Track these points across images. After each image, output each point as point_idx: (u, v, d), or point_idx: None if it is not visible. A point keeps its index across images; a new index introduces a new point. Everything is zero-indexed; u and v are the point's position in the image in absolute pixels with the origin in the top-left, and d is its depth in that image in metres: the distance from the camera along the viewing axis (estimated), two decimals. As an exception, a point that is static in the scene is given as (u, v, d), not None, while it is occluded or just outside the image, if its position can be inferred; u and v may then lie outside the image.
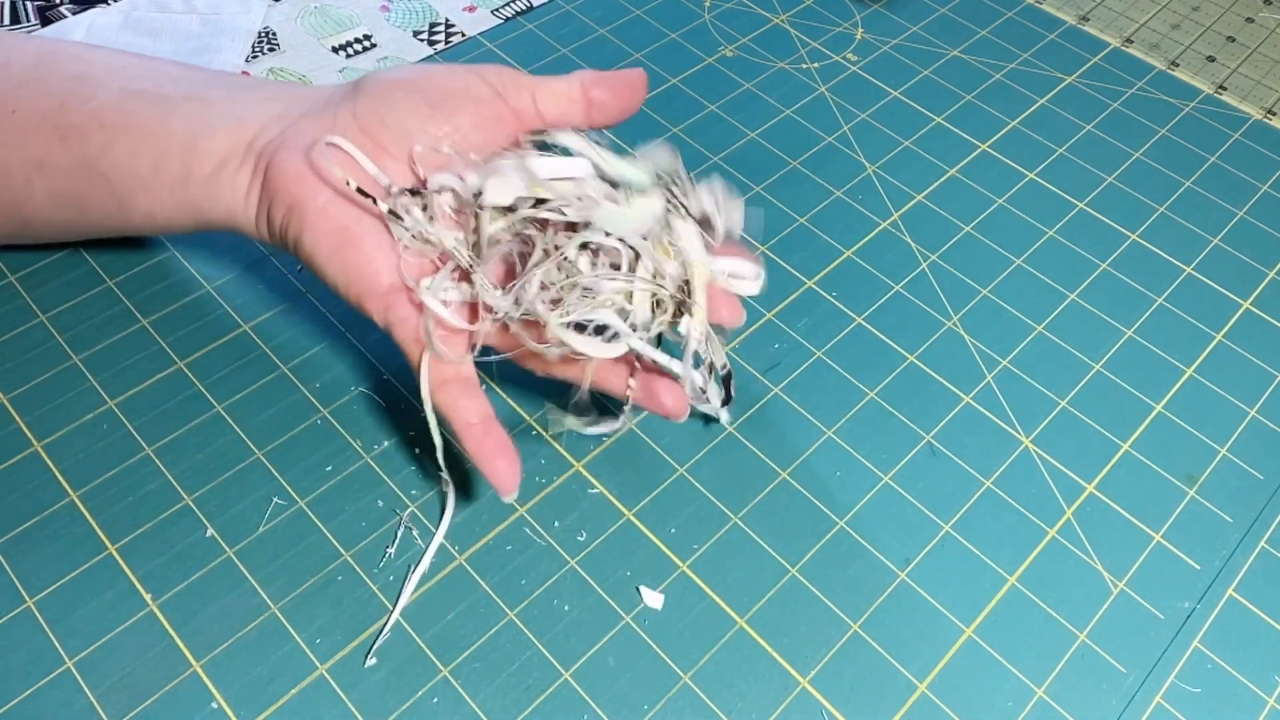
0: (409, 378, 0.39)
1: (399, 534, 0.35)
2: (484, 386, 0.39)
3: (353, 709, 0.32)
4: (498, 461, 0.32)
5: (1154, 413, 0.41)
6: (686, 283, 0.32)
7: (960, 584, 0.36)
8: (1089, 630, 0.35)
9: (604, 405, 0.37)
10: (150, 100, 0.35)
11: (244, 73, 0.50)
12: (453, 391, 0.33)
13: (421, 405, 0.33)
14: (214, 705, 0.32)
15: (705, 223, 0.34)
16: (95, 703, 0.31)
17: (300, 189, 0.33)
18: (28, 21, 0.51)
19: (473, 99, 0.34)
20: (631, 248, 0.32)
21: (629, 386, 0.33)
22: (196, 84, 0.36)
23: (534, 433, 0.38)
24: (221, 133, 0.34)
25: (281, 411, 0.38)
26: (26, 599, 0.33)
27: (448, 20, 0.54)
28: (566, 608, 0.34)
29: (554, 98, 0.35)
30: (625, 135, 0.49)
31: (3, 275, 0.41)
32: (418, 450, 0.37)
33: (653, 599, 0.34)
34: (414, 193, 0.33)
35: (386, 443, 0.37)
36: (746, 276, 0.34)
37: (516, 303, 0.32)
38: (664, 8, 0.56)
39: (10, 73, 0.36)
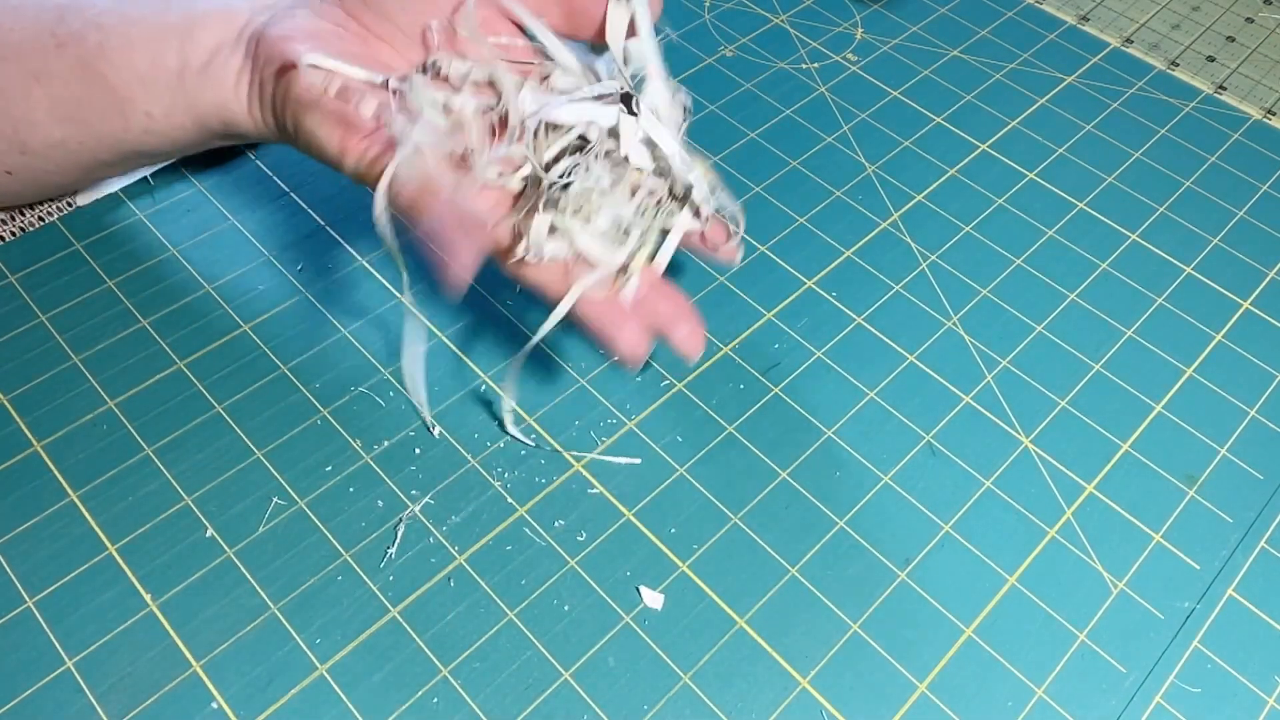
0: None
1: (399, 534, 0.35)
2: (481, 388, 0.39)
3: (353, 709, 0.32)
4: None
5: (1154, 413, 0.41)
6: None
7: (960, 584, 0.36)
8: (1089, 630, 0.35)
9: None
10: None
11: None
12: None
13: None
14: (214, 705, 0.32)
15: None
16: (95, 703, 0.31)
17: (289, 54, 0.33)
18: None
19: None
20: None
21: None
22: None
23: (534, 434, 0.38)
24: (215, 20, 0.35)
25: (281, 411, 0.38)
26: (26, 599, 0.33)
27: (448, 21, 0.54)
28: (566, 608, 0.34)
29: None
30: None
31: (3, 275, 0.41)
32: (418, 450, 0.37)
33: (653, 599, 0.34)
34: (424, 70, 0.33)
35: (386, 443, 0.37)
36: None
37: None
38: (664, 8, 0.56)
39: None
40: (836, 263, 0.45)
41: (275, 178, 0.46)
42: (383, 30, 0.33)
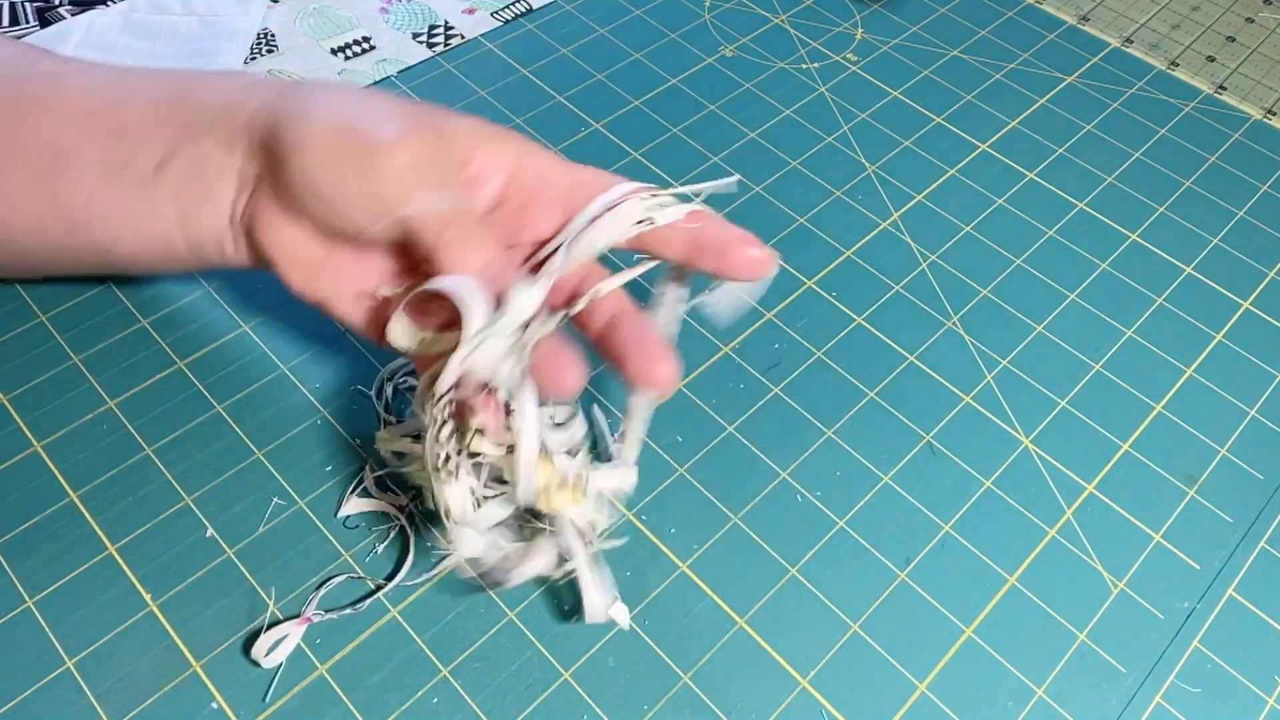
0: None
1: (391, 533, 0.35)
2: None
3: (353, 709, 0.32)
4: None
5: (1154, 413, 0.41)
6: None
7: (960, 584, 0.36)
8: (1089, 630, 0.35)
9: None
10: (133, 187, 0.34)
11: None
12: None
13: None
14: (214, 705, 0.32)
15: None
16: (95, 703, 0.31)
17: (279, 271, 0.33)
18: (27, 23, 0.51)
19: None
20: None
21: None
22: (161, 145, 0.34)
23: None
24: (207, 213, 0.33)
25: (281, 411, 0.38)
26: (26, 599, 0.33)
27: (447, 22, 0.54)
28: (566, 608, 0.34)
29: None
30: (626, 135, 0.49)
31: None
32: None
33: (620, 613, 0.34)
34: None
35: (386, 443, 0.37)
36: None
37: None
38: (664, 8, 0.56)
39: None
40: (836, 263, 0.45)
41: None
42: (329, 221, 0.32)
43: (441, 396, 0.29)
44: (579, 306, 0.31)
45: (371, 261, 0.33)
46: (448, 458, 0.30)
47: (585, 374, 0.29)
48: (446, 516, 0.31)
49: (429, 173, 0.31)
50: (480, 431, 0.30)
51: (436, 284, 0.30)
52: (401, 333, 0.31)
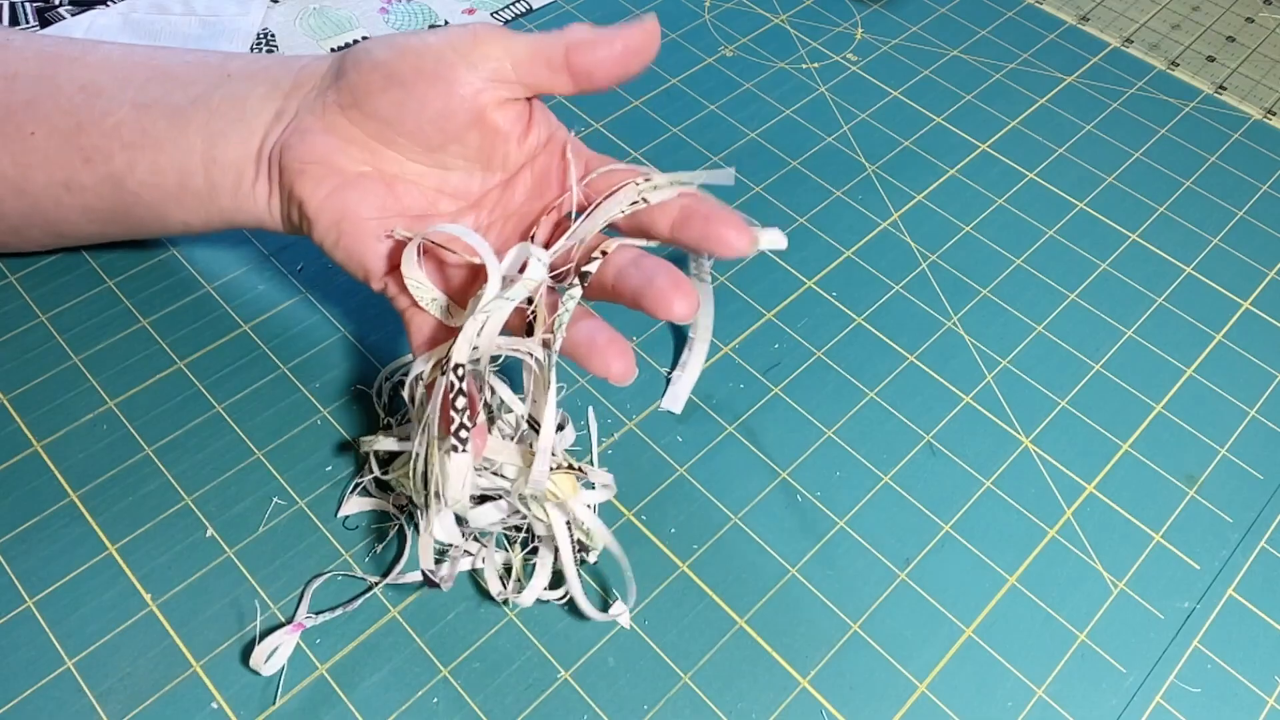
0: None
1: (391, 533, 0.35)
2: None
3: (353, 709, 0.32)
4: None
5: (1154, 413, 0.41)
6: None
7: (960, 584, 0.36)
8: (1089, 630, 0.35)
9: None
10: (164, 114, 0.35)
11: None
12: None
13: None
14: (214, 705, 0.32)
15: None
16: (95, 703, 0.31)
17: (301, 186, 0.33)
18: (27, 23, 0.51)
19: (443, 78, 0.32)
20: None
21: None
22: (201, 85, 0.35)
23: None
24: (234, 142, 0.35)
25: (281, 411, 0.38)
26: (26, 599, 0.33)
27: (447, 23, 0.54)
28: (566, 608, 0.34)
29: (531, 64, 0.33)
30: (626, 135, 0.49)
31: (3, 275, 0.41)
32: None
33: (620, 613, 0.34)
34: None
35: (386, 443, 0.37)
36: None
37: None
38: (664, 8, 0.56)
39: (19, 87, 0.36)
40: (836, 263, 0.45)
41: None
42: (385, 136, 0.33)
43: (458, 365, 0.29)
44: (594, 265, 0.31)
45: (399, 195, 0.34)
46: (460, 427, 0.29)
47: (633, 360, 0.30)
48: (437, 497, 0.30)
49: (530, 61, 0.32)
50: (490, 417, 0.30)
51: (455, 229, 0.31)
52: (413, 268, 0.32)
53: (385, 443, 0.35)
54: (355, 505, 0.36)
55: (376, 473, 0.36)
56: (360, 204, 0.33)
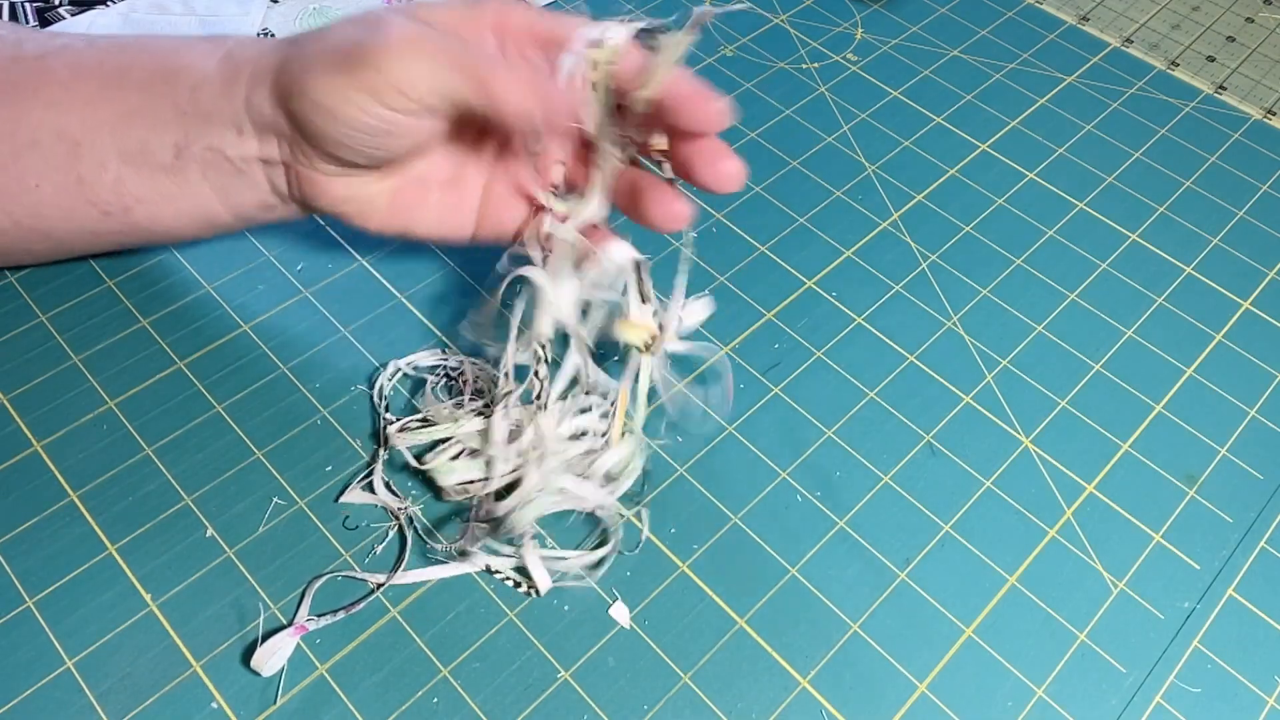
0: (408, 375, 0.39)
1: (390, 534, 0.35)
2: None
3: (353, 709, 0.32)
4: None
5: (1154, 413, 0.41)
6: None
7: (960, 584, 0.36)
8: (1089, 630, 0.35)
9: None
10: (159, 171, 0.35)
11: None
12: None
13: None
14: (214, 705, 0.32)
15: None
16: (95, 703, 0.31)
17: (349, 220, 0.37)
18: (27, 23, 0.51)
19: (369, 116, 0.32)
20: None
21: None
22: (173, 130, 0.34)
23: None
24: (245, 192, 0.36)
25: (281, 411, 0.38)
26: (26, 599, 0.33)
27: (448, 21, 0.54)
28: (566, 608, 0.34)
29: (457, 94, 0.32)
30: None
31: (2, 275, 0.41)
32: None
33: (620, 613, 0.34)
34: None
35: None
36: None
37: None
38: (664, 8, 0.56)
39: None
40: (836, 263, 0.45)
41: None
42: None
43: (542, 344, 0.34)
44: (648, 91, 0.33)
45: (435, 172, 0.36)
46: (540, 393, 0.34)
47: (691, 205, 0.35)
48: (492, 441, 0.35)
49: (428, 57, 0.31)
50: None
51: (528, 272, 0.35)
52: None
53: (419, 436, 0.36)
54: (357, 497, 0.36)
55: (412, 462, 0.36)
56: (412, 213, 0.36)
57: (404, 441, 0.36)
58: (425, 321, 0.41)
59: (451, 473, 0.35)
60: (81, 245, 0.38)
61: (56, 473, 0.36)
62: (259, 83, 0.33)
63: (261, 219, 0.37)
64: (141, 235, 0.37)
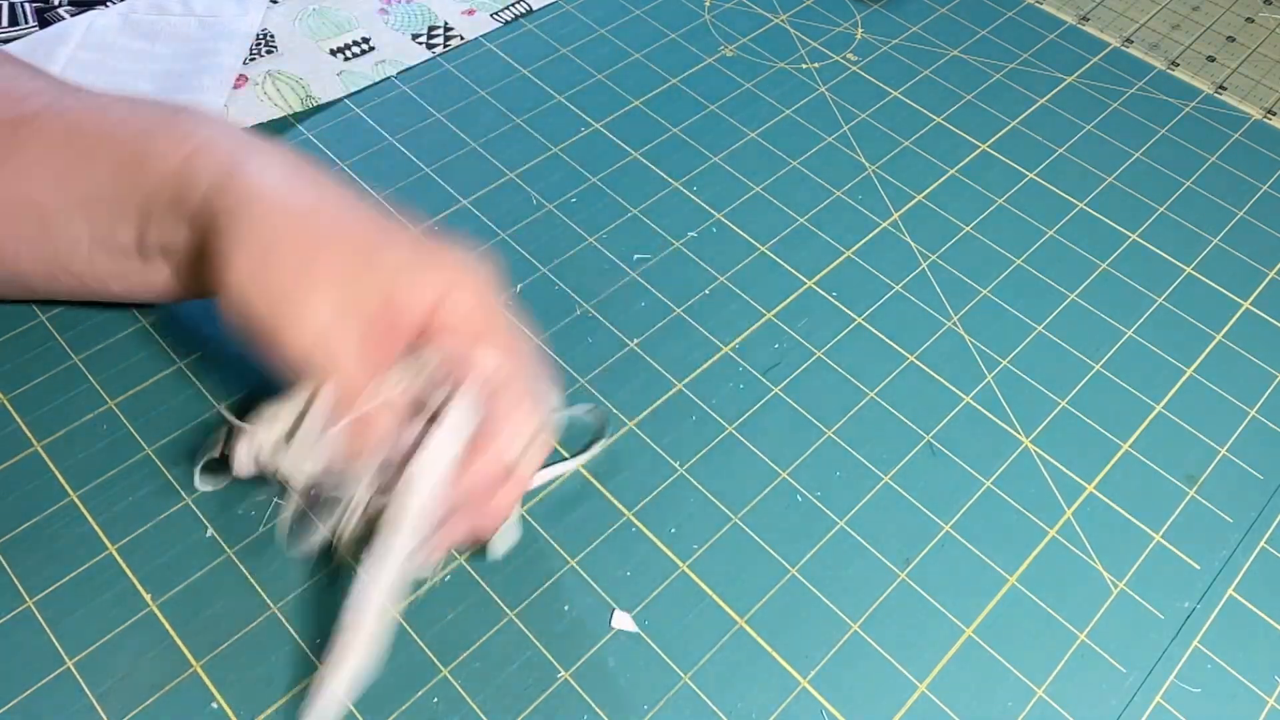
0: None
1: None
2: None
3: (353, 709, 0.32)
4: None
5: (1154, 413, 0.41)
6: None
7: (960, 584, 0.36)
8: (1089, 630, 0.35)
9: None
10: (123, 255, 0.35)
11: (241, 76, 0.50)
12: None
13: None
14: (214, 705, 0.32)
15: None
16: (95, 703, 0.31)
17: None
18: (26, 23, 0.51)
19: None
20: None
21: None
22: (128, 217, 0.34)
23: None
24: (211, 278, 0.34)
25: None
26: (26, 599, 0.33)
27: (446, 23, 0.54)
28: (566, 607, 0.34)
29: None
30: (626, 135, 0.49)
31: (3, 276, 0.41)
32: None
33: (623, 621, 0.34)
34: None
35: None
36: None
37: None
38: (664, 8, 0.56)
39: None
40: (836, 263, 0.45)
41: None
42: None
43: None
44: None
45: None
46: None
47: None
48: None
49: (345, 319, 0.31)
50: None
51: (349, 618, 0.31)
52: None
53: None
54: (209, 484, 0.35)
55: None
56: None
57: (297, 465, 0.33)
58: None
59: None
60: (63, 298, 0.39)
61: (56, 473, 0.36)
62: (204, 212, 0.32)
63: None
64: (126, 301, 0.38)
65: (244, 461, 0.32)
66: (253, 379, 0.39)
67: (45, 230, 0.35)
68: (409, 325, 0.32)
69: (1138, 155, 0.51)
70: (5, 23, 0.51)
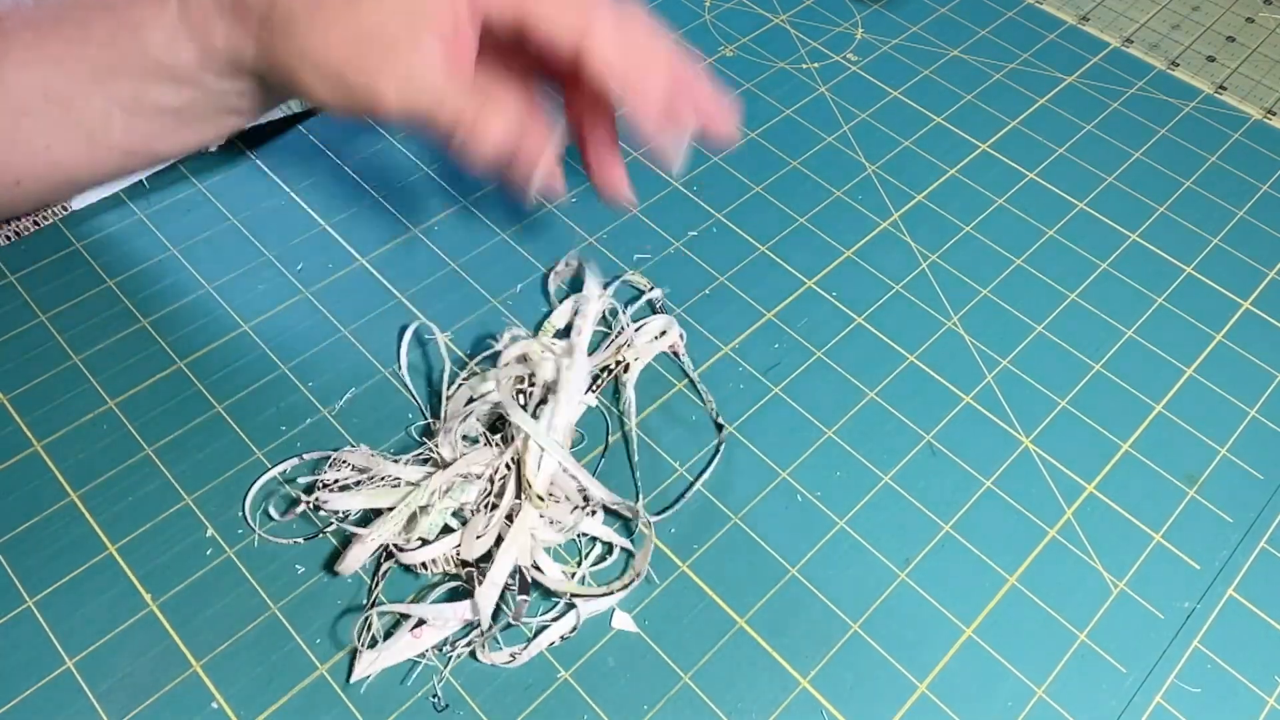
0: (409, 376, 0.39)
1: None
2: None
3: (353, 709, 0.32)
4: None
5: (1154, 413, 0.41)
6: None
7: (960, 584, 0.36)
8: (1089, 630, 0.35)
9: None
10: (160, 114, 0.35)
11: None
12: None
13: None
14: (214, 705, 0.32)
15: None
16: (95, 703, 0.31)
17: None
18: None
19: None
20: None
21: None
22: (149, 61, 0.34)
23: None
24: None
25: (282, 411, 0.38)
26: (26, 599, 0.33)
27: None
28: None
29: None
30: (625, 135, 0.49)
31: (2, 275, 0.41)
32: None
33: (623, 621, 0.34)
34: None
35: (387, 442, 0.37)
36: None
37: None
38: (664, 8, 0.56)
39: None
40: (836, 263, 0.45)
41: (275, 177, 0.46)
42: None
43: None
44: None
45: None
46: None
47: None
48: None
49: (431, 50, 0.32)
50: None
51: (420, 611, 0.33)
52: None
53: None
54: (373, 664, 0.32)
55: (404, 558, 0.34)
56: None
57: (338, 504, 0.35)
58: (423, 319, 0.41)
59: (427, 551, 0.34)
60: (112, 178, 0.39)
61: (56, 473, 0.36)
62: (227, 17, 0.33)
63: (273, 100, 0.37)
64: (172, 158, 0.39)
65: (354, 564, 0.34)
66: (252, 378, 0.39)
67: (68, 113, 0.35)
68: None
69: (1138, 155, 0.51)
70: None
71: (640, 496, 0.37)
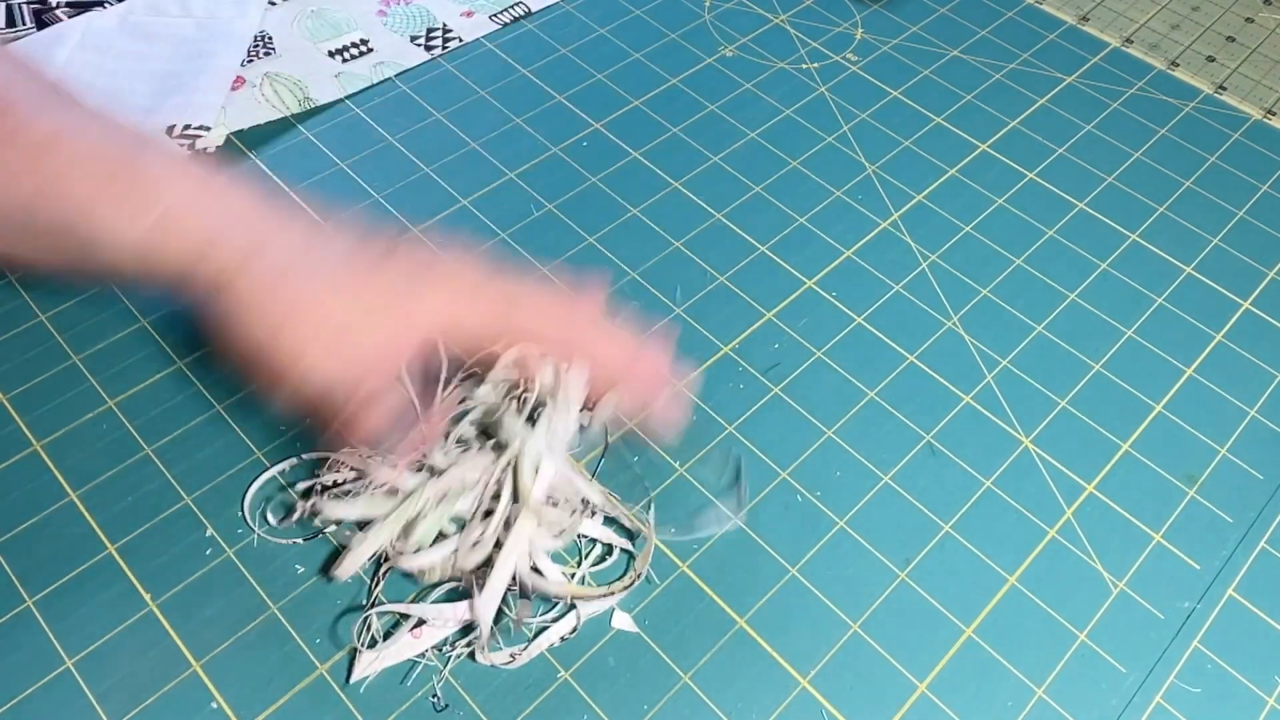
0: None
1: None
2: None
3: (352, 709, 0.32)
4: None
5: (1154, 413, 0.41)
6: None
7: (960, 584, 0.36)
8: (1089, 630, 0.35)
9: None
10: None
11: (238, 78, 0.50)
12: None
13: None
14: (214, 705, 0.32)
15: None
16: (95, 703, 0.31)
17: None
18: (24, 25, 0.51)
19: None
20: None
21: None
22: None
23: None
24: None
25: (281, 411, 0.38)
26: (26, 599, 0.33)
27: (445, 25, 0.54)
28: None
29: None
30: (626, 135, 0.49)
31: (2, 275, 0.41)
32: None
33: (623, 621, 0.34)
34: None
35: (385, 444, 0.37)
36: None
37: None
38: (664, 8, 0.56)
39: None
40: (836, 263, 0.45)
41: (274, 176, 0.46)
42: None
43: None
44: None
45: None
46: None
47: None
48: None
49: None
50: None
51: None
52: None
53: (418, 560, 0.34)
54: (373, 664, 0.33)
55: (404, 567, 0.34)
56: None
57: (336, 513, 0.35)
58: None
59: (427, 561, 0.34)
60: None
61: (56, 473, 0.36)
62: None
63: None
64: None
65: (350, 570, 0.34)
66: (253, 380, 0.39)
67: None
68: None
69: (1138, 155, 0.51)
70: (2, 24, 0.51)
71: (649, 495, 0.37)
